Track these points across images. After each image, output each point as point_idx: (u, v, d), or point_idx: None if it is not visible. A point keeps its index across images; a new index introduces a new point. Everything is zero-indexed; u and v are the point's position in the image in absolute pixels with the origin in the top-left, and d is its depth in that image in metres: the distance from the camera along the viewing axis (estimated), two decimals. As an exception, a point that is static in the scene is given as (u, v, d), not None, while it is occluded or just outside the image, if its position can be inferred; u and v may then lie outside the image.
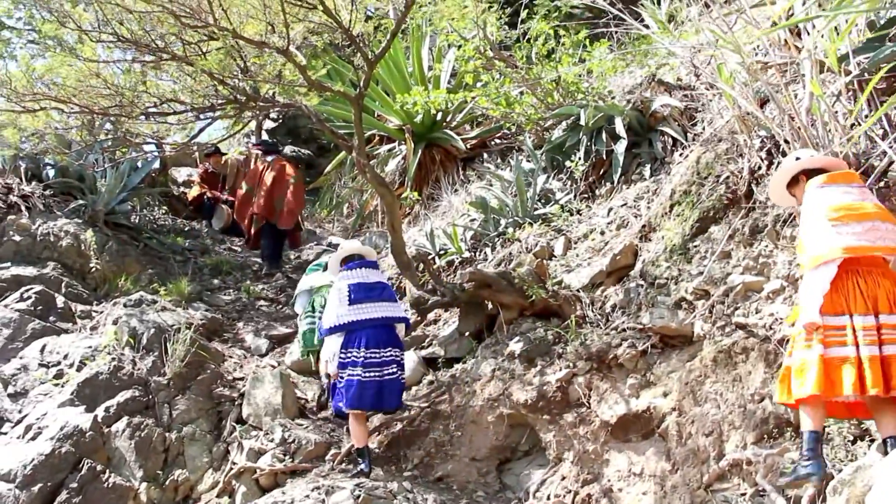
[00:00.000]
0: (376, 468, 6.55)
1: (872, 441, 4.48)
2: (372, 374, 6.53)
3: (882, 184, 4.93)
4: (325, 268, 7.90)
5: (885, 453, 4.00)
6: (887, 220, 4.33)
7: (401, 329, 7.04)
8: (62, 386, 7.29)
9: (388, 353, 6.67)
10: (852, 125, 5.21)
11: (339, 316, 6.70)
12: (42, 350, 7.72)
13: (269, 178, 10.97)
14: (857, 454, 4.44)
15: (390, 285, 7.34)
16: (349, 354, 6.63)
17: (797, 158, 4.73)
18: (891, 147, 4.76)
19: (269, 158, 11.27)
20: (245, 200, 11.30)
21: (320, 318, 7.27)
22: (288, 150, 14.23)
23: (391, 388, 6.61)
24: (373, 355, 6.59)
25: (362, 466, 6.36)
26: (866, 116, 5.04)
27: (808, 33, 5.46)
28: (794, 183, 4.74)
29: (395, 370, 6.68)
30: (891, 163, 4.85)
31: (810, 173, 4.63)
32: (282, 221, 10.90)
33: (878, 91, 5.10)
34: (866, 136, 5.22)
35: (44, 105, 7.56)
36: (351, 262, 7.09)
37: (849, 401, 4.37)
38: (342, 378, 6.62)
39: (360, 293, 6.77)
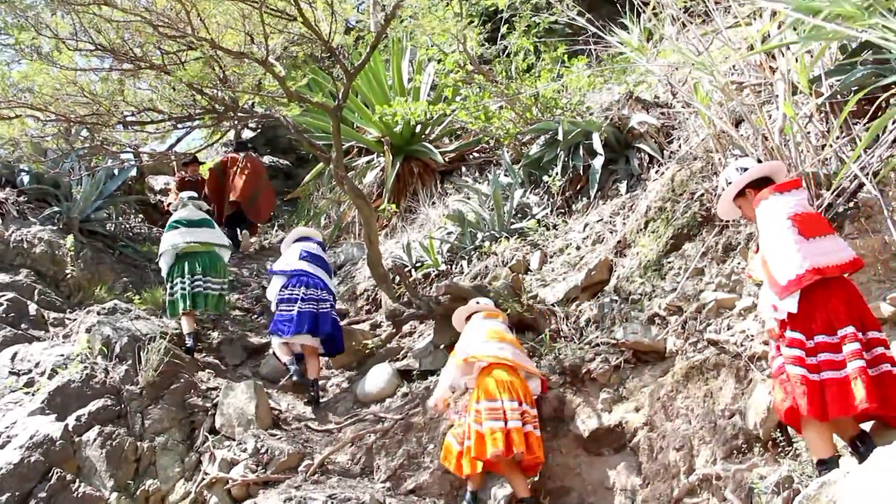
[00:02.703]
0: (349, 479, 6.55)
1: (839, 457, 4.54)
2: (309, 306, 7.88)
3: (852, 205, 5.01)
4: (187, 224, 9.03)
5: None
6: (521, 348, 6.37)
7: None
8: (33, 394, 7.22)
9: (323, 294, 8.07)
10: (823, 146, 5.30)
11: (288, 264, 8.24)
12: (13, 358, 7.64)
13: (244, 170, 12.07)
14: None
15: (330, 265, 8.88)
16: (291, 293, 8.00)
17: None
18: (861, 169, 4.83)
19: (243, 154, 12.40)
20: (216, 184, 12.20)
21: (191, 286, 8.62)
22: (267, 160, 14.38)
23: (325, 318, 7.92)
24: (311, 293, 7.97)
25: (312, 394, 7.85)
26: (838, 138, 5.12)
27: (783, 55, 5.55)
28: None
29: (327, 306, 8.04)
30: (861, 185, 4.93)
31: None
32: (252, 215, 12.31)
33: (850, 113, 5.18)
34: (837, 157, 5.30)
35: (19, 112, 7.51)
36: (303, 238, 8.68)
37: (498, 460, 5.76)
38: (281, 313, 7.95)
39: (308, 257, 8.30)
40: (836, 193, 5.11)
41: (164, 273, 8.90)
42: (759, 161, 5.17)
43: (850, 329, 4.20)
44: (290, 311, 7.84)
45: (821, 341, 4.25)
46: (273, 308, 8.18)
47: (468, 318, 6.72)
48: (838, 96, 5.27)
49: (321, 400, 7.93)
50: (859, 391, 4.03)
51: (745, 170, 4.83)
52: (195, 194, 9.64)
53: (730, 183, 4.88)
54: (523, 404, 5.85)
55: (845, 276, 4.45)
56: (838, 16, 2.44)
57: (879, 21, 2.28)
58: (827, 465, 4.22)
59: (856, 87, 5.09)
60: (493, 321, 6.50)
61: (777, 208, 4.48)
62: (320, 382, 8.10)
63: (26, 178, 10.43)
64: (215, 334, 9.25)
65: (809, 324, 4.30)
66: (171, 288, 8.67)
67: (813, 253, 4.29)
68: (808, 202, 4.67)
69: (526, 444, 5.68)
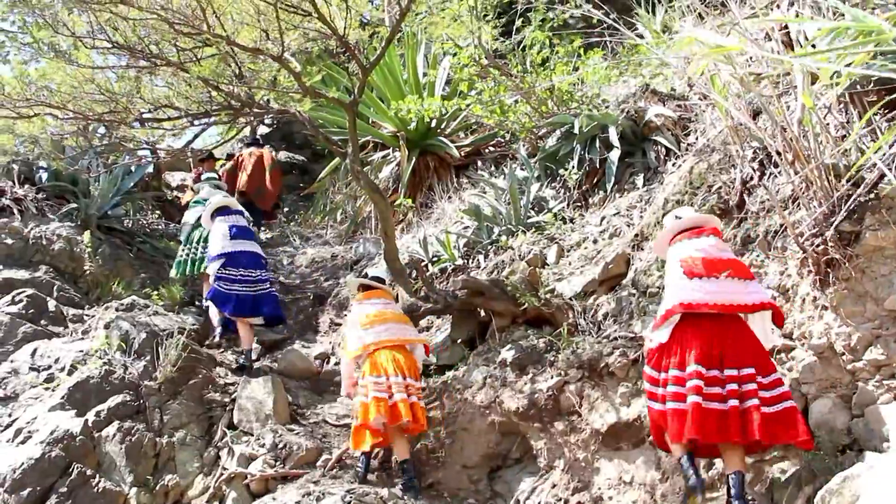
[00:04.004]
0: (368, 474, 6.57)
1: (861, 451, 4.51)
2: (247, 289, 8.26)
3: (872, 196, 4.96)
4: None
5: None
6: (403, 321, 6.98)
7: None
8: (53, 390, 7.27)
9: (261, 273, 8.51)
10: (843, 137, 5.25)
11: (223, 247, 8.44)
12: (33, 354, 7.70)
13: (250, 163, 12.31)
14: (846, 464, 4.46)
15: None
16: (228, 272, 8.29)
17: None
18: (881, 160, 4.79)
19: (250, 150, 12.60)
20: (229, 179, 12.33)
21: (198, 251, 9.28)
22: (282, 155, 14.48)
23: (266, 299, 8.38)
24: (247, 275, 8.36)
25: (242, 361, 8.13)
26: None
27: (801, 45, 5.50)
28: None
29: (267, 287, 8.50)
30: (881, 176, 4.88)
31: None
32: (259, 202, 12.38)
33: (870, 104, 5.13)
34: (857, 148, 5.25)
35: (38, 111, 7.55)
36: (224, 211, 8.77)
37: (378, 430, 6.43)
38: (219, 287, 8.24)
39: (237, 232, 8.59)
40: (855, 184, 5.06)
41: (183, 240, 9.78)
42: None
43: (730, 370, 4.59)
44: (230, 290, 8.23)
45: (692, 372, 4.62)
46: (211, 280, 8.43)
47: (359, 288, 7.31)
48: (858, 87, 5.22)
49: (253, 366, 8.22)
50: (691, 422, 4.48)
51: (678, 217, 5.37)
52: (215, 175, 10.39)
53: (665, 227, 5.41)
54: (407, 378, 6.50)
55: (752, 316, 4.94)
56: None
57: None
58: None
59: (876, 77, 5.03)
60: (372, 303, 7.00)
61: (677, 252, 5.11)
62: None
63: (45, 176, 10.49)
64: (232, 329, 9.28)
65: (668, 358, 4.81)
66: (182, 251, 9.56)
67: (690, 289, 4.83)
68: (719, 248, 5.10)
69: (413, 413, 6.34)
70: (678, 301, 4.82)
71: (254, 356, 8.46)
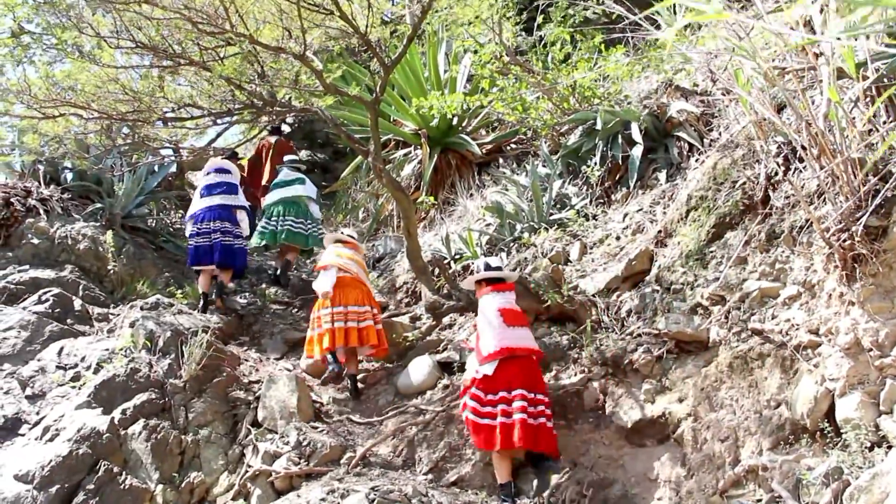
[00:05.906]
0: (391, 471, 6.57)
1: (890, 447, 4.46)
2: (203, 240, 9.14)
3: (900, 190, 4.90)
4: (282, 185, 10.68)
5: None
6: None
7: (242, 215, 9.63)
8: (79, 388, 7.33)
9: (217, 224, 9.24)
10: (869, 131, 5.19)
11: (192, 207, 9.49)
12: (59, 352, 7.77)
13: (272, 152, 12.36)
14: (875, 461, 4.41)
15: (236, 185, 9.82)
16: (191, 229, 9.29)
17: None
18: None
19: (272, 139, 12.58)
20: (252, 170, 12.61)
21: (277, 224, 10.30)
22: (303, 154, 14.50)
23: (218, 248, 9.12)
24: (205, 227, 9.22)
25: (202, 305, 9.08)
26: (884, 122, 5.01)
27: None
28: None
29: (219, 237, 9.19)
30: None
31: None
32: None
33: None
34: (884, 141, 5.19)
35: (63, 111, 7.61)
36: (209, 171, 9.71)
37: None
38: (190, 246, 9.25)
39: (205, 192, 9.50)
40: (882, 178, 5.00)
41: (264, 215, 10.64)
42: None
43: (521, 391, 6.01)
44: (193, 245, 9.18)
45: (502, 396, 6.05)
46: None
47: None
48: (885, 80, 5.16)
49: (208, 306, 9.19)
50: (518, 433, 5.85)
51: (489, 266, 6.82)
52: (295, 157, 11.19)
53: (479, 270, 6.86)
54: (364, 306, 7.77)
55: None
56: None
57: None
58: (504, 488, 6.05)
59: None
60: (346, 248, 8.23)
61: (492, 301, 6.49)
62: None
63: (70, 176, 10.58)
64: (256, 328, 9.33)
65: (491, 385, 6.12)
66: (262, 223, 10.47)
67: (509, 337, 6.22)
68: (515, 302, 6.62)
69: (360, 336, 7.66)
70: (504, 345, 6.19)
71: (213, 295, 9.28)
